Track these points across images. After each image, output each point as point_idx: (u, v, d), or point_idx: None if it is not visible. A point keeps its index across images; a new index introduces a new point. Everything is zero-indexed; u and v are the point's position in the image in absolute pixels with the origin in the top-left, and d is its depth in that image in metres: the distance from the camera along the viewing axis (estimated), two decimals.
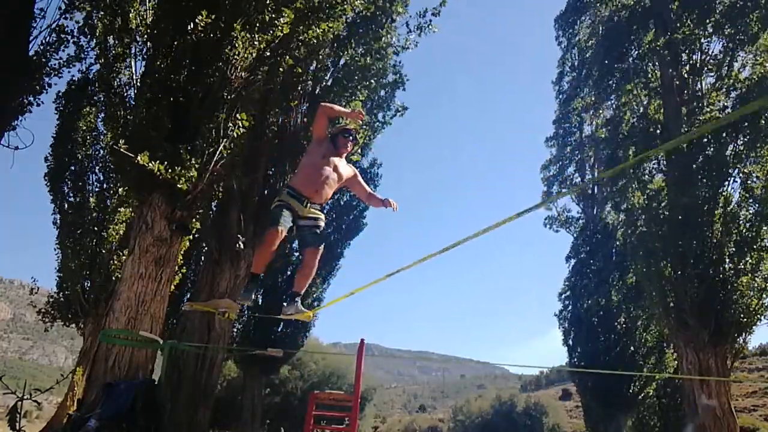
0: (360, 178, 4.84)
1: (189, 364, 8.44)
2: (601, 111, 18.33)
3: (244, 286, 4.54)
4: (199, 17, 5.58)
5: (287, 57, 6.64)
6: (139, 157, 5.37)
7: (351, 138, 4.72)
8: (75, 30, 7.13)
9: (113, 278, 10.54)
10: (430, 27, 9.73)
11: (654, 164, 11.10)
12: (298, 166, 4.73)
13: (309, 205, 4.38)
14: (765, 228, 9.39)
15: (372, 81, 8.98)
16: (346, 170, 4.68)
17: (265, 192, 9.59)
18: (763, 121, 9.25)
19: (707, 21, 10.35)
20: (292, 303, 4.54)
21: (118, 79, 6.46)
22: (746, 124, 9.56)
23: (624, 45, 11.85)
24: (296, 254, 16.49)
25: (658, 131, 10.97)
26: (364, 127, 9.15)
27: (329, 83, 8.92)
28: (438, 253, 3.48)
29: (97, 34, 6.68)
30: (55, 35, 6.99)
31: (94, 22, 6.95)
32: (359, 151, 9.42)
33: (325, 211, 4.65)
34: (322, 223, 4.52)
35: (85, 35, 7.17)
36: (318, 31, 6.77)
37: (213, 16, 5.67)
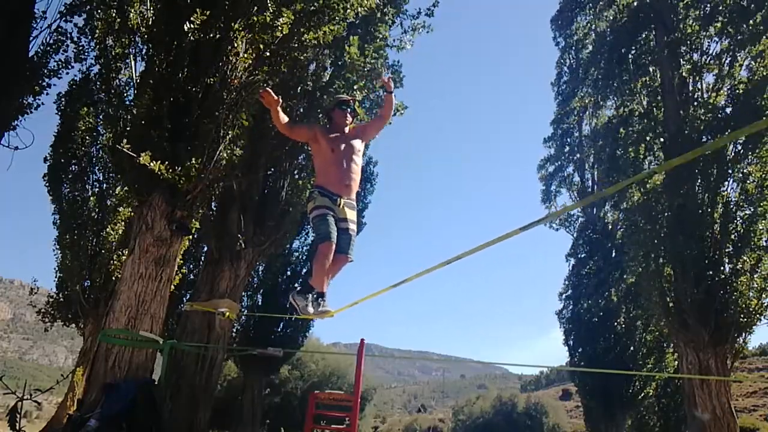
0: (367, 127, 4.55)
1: (189, 364, 8.44)
2: (600, 111, 18.34)
3: (315, 303, 4.14)
4: (194, 15, 5.57)
5: (287, 57, 6.64)
6: (141, 157, 5.37)
7: (349, 110, 4.40)
8: (75, 32, 7.12)
9: (113, 278, 10.55)
10: (424, 27, 9.72)
11: (654, 164, 11.11)
12: (315, 168, 4.43)
13: (343, 203, 4.18)
14: (762, 227, 9.39)
15: (369, 79, 8.96)
16: (357, 139, 4.38)
17: (265, 192, 9.59)
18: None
19: (712, 22, 10.34)
20: (303, 296, 4.17)
21: (118, 80, 6.47)
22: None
23: (624, 45, 11.85)
24: (296, 254, 16.53)
25: (659, 130, 10.97)
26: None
27: (327, 82, 8.91)
28: (441, 265, 3.44)
29: (97, 35, 6.68)
30: (55, 36, 6.99)
31: (95, 23, 6.95)
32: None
33: (357, 209, 4.40)
34: (356, 227, 4.30)
35: (86, 35, 7.16)
36: (319, 33, 6.76)
37: (208, 13, 5.66)
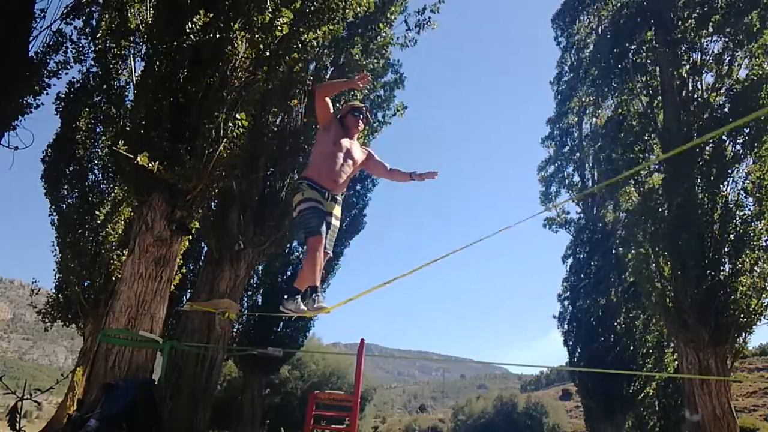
0: (376, 157, 4.52)
1: (189, 364, 8.44)
2: (600, 110, 18.35)
3: (310, 300, 4.15)
4: (197, 17, 5.57)
5: (287, 57, 6.64)
6: (138, 158, 5.37)
7: (361, 116, 4.38)
8: (74, 34, 7.12)
9: (113, 278, 10.55)
10: (428, 24, 9.71)
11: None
12: (310, 157, 4.42)
13: (330, 198, 4.17)
14: (761, 227, 9.39)
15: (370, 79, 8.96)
16: (360, 153, 4.38)
17: (265, 192, 9.59)
18: (762, 118, 9.26)
19: (708, 20, 10.35)
20: (292, 300, 4.23)
21: (117, 80, 6.48)
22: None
23: (624, 44, 11.84)
24: (296, 253, 16.52)
25: (659, 130, 10.96)
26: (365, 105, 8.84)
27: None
28: (437, 260, 3.46)
29: (97, 36, 6.68)
30: (55, 37, 6.99)
31: (94, 24, 6.95)
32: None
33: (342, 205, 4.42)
34: (338, 223, 4.31)
35: (85, 36, 7.16)
36: (318, 33, 6.77)
37: (211, 15, 5.66)
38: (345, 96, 8.41)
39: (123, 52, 6.49)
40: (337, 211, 4.28)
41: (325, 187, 4.15)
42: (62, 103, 9.42)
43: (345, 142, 4.27)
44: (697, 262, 9.54)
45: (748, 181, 9.66)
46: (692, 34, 10.49)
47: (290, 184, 9.51)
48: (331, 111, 4.29)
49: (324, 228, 4.02)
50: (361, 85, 4.23)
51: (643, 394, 17.26)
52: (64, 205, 10.97)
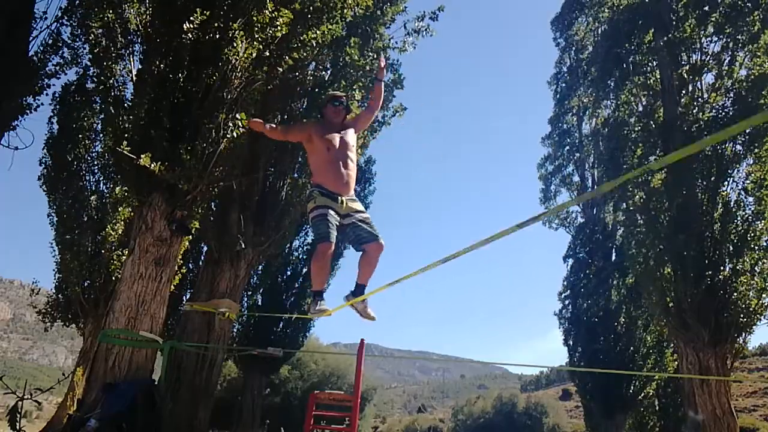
0: (356, 121, 4.61)
1: (189, 364, 8.43)
2: (599, 110, 18.36)
3: (313, 302, 4.30)
4: (194, 15, 5.57)
5: (287, 57, 6.64)
6: (141, 158, 5.36)
7: (341, 105, 4.44)
8: (69, 36, 7.12)
9: (113, 278, 10.55)
10: (427, 31, 9.71)
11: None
12: (311, 168, 4.46)
13: (345, 201, 4.17)
14: (762, 227, 9.39)
15: (368, 79, 8.95)
16: (351, 134, 4.41)
17: (265, 192, 9.59)
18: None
19: (707, 21, 10.35)
20: (352, 296, 4.30)
21: (114, 79, 6.47)
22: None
23: (623, 45, 11.84)
24: (295, 253, 16.51)
25: (659, 130, 10.96)
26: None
27: (327, 83, 8.91)
28: (440, 262, 3.44)
29: (93, 36, 6.67)
30: (52, 38, 7.01)
31: (90, 24, 6.94)
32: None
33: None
34: (367, 214, 4.28)
35: (79, 38, 7.17)
36: (318, 32, 6.77)
37: (207, 13, 5.65)
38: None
39: (120, 51, 6.48)
40: (357, 205, 4.27)
41: (336, 192, 4.16)
42: (58, 104, 9.44)
43: (335, 139, 4.28)
44: (698, 262, 9.54)
45: (748, 181, 9.66)
46: (692, 34, 10.49)
47: (290, 184, 9.50)
48: (294, 128, 4.58)
49: (333, 234, 4.02)
50: (260, 124, 4.52)
51: (643, 394, 17.25)
52: (65, 206, 10.97)
